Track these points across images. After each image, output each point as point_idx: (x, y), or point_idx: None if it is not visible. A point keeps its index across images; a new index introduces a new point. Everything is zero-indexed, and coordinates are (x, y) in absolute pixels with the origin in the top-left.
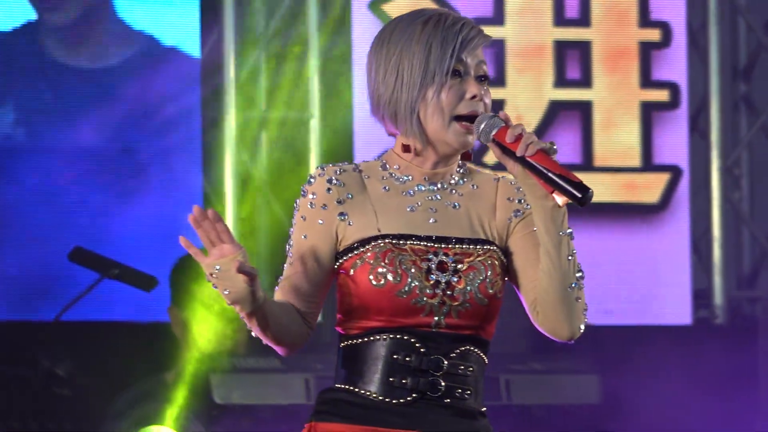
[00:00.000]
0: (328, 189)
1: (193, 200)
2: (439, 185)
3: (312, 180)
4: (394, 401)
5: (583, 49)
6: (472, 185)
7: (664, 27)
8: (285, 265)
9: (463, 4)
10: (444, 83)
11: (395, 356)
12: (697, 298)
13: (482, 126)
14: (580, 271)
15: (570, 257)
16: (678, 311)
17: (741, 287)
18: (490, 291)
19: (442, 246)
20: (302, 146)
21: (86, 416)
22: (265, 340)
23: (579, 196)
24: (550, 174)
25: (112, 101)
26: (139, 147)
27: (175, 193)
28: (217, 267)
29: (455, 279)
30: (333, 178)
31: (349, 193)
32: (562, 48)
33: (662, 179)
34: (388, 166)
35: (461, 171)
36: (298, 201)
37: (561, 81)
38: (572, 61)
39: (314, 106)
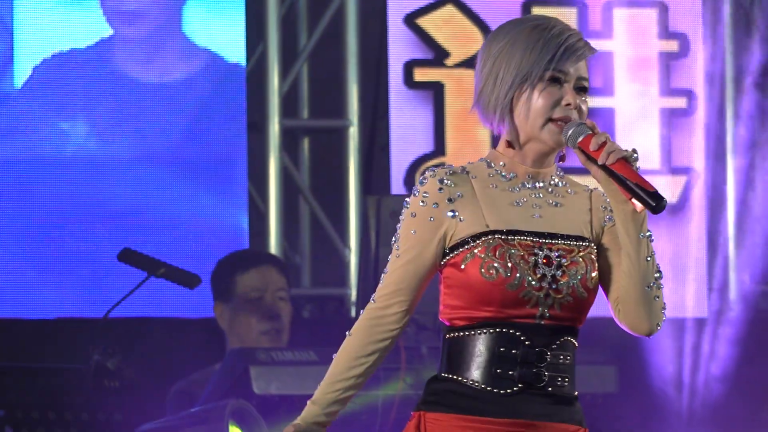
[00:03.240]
0: (440, 188)
1: (240, 203)
2: (541, 184)
3: (424, 180)
4: (500, 391)
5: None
6: (570, 190)
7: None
8: (390, 258)
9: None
10: (540, 86)
11: (501, 348)
12: (713, 292)
13: (570, 132)
14: (658, 271)
15: (649, 258)
16: (696, 305)
17: (755, 282)
18: (590, 285)
19: (548, 241)
20: (341, 153)
21: (134, 407)
22: None
23: (653, 204)
24: (627, 182)
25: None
26: (195, 153)
27: (222, 197)
28: None
29: (559, 273)
30: (444, 178)
31: (460, 192)
32: None
33: (680, 181)
34: (493, 164)
35: (560, 174)
36: (407, 200)
37: None
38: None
39: (353, 114)
